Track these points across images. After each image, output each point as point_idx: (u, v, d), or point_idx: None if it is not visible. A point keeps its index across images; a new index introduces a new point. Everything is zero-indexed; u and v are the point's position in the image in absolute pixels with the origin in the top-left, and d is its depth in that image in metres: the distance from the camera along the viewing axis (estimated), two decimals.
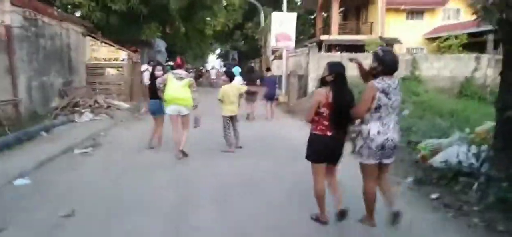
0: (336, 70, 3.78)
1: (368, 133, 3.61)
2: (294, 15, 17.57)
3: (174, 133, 7.15)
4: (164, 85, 6.87)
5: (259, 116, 12.48)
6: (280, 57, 22.70)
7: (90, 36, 14.77)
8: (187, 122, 7.13)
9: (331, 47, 23.83)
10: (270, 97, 12.66)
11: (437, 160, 5.47)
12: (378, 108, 3.55)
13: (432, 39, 25.13)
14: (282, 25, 17.36)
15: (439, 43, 16.18)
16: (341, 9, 27.84)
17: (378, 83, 3.54)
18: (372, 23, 26.44)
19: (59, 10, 14.69)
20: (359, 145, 3.71)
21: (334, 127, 3.72)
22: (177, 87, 6.79)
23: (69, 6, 14.68)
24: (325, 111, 3.70)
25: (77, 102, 11.67)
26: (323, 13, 30.76)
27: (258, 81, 13.26)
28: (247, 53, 35.99)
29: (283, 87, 17.76)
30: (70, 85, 13.02)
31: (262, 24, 24.21)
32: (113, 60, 14.93)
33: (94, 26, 23.16)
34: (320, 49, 20.40)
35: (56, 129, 9.58)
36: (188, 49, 31.08)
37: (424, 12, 26.40)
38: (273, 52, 21.96)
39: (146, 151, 7.78)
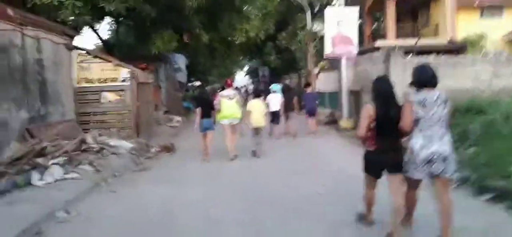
0: (379, 86, 4.02)
1: (412, 149, 3.70)
2: (355, 10, 12.95)
3: (227, 140, 8.77)
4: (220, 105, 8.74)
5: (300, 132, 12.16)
6: (329, 69, 18.14)
7: (78, 49, 10.55)
8: (236, 129, 8.96)
9: None
10: (311, 112, 12.36)
11: None
12: (417, 121, 3.65)
13: None
14: (340, 25, 12.79)
15: None
16: None
17: (414, 96, 3.71)
18: (437, 24, 21.44)
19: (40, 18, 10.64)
20: (405, 160, 3.82)
21: (381, 141, 3.87)
22: (229, 106, 8.71)
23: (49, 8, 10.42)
24: (373, 126, 3.86)
25: (43, 149, 7.31)
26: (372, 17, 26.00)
27: (295, 99, 12.62)
28: (280, 69, 31.39)
29: (344, 107, 13.07)
30: (44, 120, 8.78)
31: (309, 26, 19.62)
32: (111, 81, 10.65)
33: (103, 44, 19.62)
34: None
35: None
36: (212, 67, 26.90)
37: (504, 8, 21.15)
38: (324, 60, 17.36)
39: None
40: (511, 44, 20.36)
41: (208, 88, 22.68)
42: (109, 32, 20.24)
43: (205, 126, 8.74)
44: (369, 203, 4.28)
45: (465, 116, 8.00)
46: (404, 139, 3.92)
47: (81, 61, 10.54)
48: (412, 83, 3.80)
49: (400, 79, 9.47)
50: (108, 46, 19.05)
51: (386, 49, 10.96)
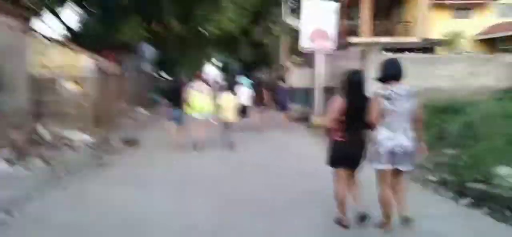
0: (350, 78, 4.01)
1: (377, 139, 3.75)
2: (333, 4, 12.63)
3: (194, 132, 8.74)
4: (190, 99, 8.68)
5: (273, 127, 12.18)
6: (303, 64, 17.83)
7: (35, 32, 9.68)
8: (206, 122, 8.88)
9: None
10: (283, 107, 12.53)
11: None
12: (384, 114, 3.69)
13: (485, 41, 20.35)
14: (317, 18, 12.45)
15: None
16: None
17: (382, 90, 3.72)
18: (410, 23, 21.58)
19: None
20: (370, 152, 3.87)
21: (349, 133, 3.89)
22: (200, 100, 8.68)
23: None
24: (342, 118, 3.88)
25: None
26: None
27: (267, 93, 12.63)
28: (252, 63, 30.85)
29: (317, 104, 12.75)
30: None
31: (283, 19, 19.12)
32: (72, 70, 9.85)
33: (70, 32, 18.51)
34: None
35: None
36: (183, 59, 26.01)
37: (473, 9, 21.52)
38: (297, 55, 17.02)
39: None
40: (481, 44, 20.78)
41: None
42: (75, 20, 19.10)
43: (175, 116, 8.80)
44: (342, 201, 4.08)
45: (441, 116, 7.81)
46: (370, 133, 3.92)
47: (39, 47, 9.67)
48: (379, 78, 3.84)
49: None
50: (73, 35, 18.00)
51: (363, 46, 10.66)
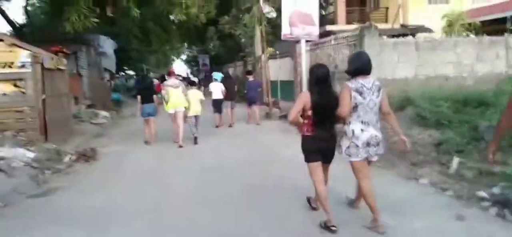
0: (316, 72, 3.93)
1: (353, 132, 3.75)
2: None
3: (174, 125, 9.11)
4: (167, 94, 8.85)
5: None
6: (282, 55, 16.40)
7: None
8: (182, 116, 8.92)
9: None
10: (252, 101, 12.19)
11: None
12: (355, 107, 3.72)
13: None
14: (299, 2, 10.97)
15: None
16: None
17: (352, 83, 3.74)
18: (387, 8, 20.62)
19: None
20: (345, 146, 3.82)
21: (317, 128, 3.84)
22: (176, 95, 8.82)
23: None
24: (310, 112, 3.81)
25: None
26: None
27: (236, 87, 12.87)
28: (223, 56, 29.07)
29: None
30: None
31: (255, 6, 17.37)
32: (5, 67, 7.88)
33: (14, 29, 16.19)
34: None
35: None
36: (148, 53, 23.99)
37: None
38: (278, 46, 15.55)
39: None
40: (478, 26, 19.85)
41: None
42: (21, 12, 16.77)
43: (148, 111, 8.94)
44: (324, 196, 3.88)
45: (467, 110, 6.53)
46: (340, 126, 3.92)
47: None
48: (348, 71, 3.86)
49: (376, 62, 7.89)
50: (17, 30, 15.72)
51: (360, 28, 9.28)
